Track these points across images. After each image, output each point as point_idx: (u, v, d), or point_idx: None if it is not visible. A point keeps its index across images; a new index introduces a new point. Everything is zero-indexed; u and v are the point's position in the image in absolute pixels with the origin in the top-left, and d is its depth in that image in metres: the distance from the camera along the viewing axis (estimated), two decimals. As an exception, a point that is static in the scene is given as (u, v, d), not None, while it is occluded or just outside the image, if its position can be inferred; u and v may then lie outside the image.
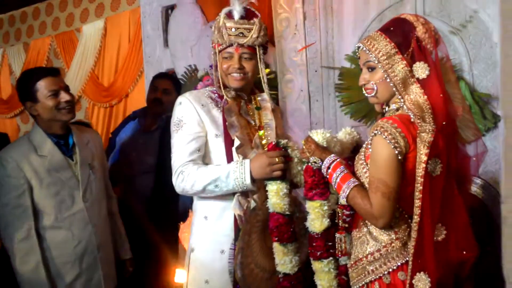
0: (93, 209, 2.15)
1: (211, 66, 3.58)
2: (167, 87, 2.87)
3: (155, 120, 2.86)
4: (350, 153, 1.71)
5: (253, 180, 1.67)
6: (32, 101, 2.05)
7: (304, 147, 1.60)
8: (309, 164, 1.58)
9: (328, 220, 1.59)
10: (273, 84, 3.44)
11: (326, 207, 1.58)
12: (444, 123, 1.38)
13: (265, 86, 1.87)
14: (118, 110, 4.43)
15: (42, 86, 2.02)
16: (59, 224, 2.06)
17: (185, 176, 1.72)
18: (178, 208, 2.72)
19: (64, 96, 2.05)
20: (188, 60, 3.88)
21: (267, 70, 3.39)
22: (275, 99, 3.44)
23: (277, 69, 3.42)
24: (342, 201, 1.58)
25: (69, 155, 2.12)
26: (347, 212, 1.62)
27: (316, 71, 3.25)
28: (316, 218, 1.58)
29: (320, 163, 1.55)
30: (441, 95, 1.39)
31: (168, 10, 4.07)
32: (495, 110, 2.54)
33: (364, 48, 1.49)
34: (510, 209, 1.02)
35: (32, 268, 2.00)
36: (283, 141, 1.69)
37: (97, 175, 2.20)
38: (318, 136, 1.58)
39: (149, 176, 2.73)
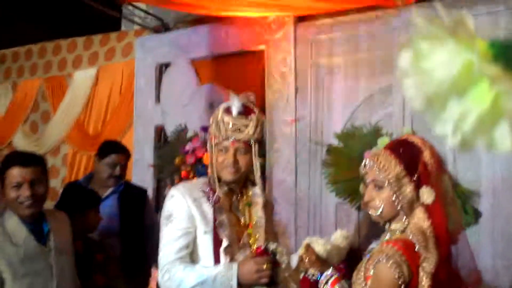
0: None
1: (201, 128, 3.64)
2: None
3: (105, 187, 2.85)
4: (344, 258, 1.71)
5: (239, 285, 1.66)
6: (2, 187, 1.99)
7: (303, 256, 1.58)
8: (307, 275, 1.56)
9: None
10: (262, 152, 3.47)
11: None
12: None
13: (258, 181, 1.89)
14: (103, 159, 4.38)
15: (9, 175, 1.95)
16: None
17: (171, 275, 1.70)
18: (146, 272, 2.86)
19: (24, 192, 1.93)
20: (179, 118, 3.90)
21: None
22: (262, 166, 3.46)
23: (266, 138, 3.47)
24: None
25: (43, 242, 2.02)
26: None
27: (304, 145, 3.31)
28: None
29: (318, 276, 1.54)
30: (444, 222, 1.41)
31: (163, 67, 4.12)
32: (477, 205, 2.60)
33: (375, 167, 1.48)
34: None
35: None
36: (272, 246, 1.70)
37: (69, 261, 2.11)
38: (320, 247, 1.58)
39: (112, 241, 2.68)
